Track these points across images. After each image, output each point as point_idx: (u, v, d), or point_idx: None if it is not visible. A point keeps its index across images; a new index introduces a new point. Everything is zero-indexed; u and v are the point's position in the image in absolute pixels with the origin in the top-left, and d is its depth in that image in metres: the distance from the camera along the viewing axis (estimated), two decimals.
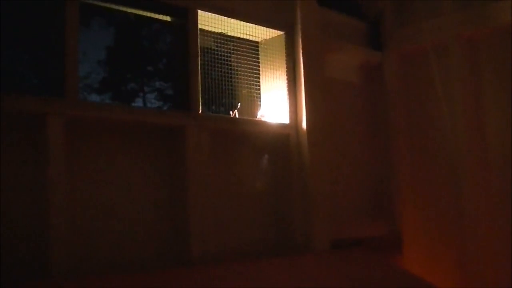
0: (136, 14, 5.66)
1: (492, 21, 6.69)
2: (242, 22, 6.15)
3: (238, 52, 6.23)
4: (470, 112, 6.92)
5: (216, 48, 5.98)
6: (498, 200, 6.70)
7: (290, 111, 6.37)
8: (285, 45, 6.48)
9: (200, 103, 5.58)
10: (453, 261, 6.91)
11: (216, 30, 6.04)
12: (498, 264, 6.58)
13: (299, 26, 6.45)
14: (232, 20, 6.05)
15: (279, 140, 6.34)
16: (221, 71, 5.98)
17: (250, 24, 6.24)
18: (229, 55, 6.11)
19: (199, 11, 5.70)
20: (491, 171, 6.81)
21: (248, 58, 6.32)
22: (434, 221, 7.20)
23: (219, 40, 6.04)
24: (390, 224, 7.33)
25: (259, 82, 6.39)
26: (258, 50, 6.50)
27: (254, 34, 6.38)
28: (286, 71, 6.43)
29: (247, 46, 6.36)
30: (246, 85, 6.26)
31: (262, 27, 6.36)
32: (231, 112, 6.03)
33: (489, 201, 6.76)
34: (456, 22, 6.98)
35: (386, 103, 7.57)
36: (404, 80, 7.63)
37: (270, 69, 6.47)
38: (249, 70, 6.29)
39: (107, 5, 5.33)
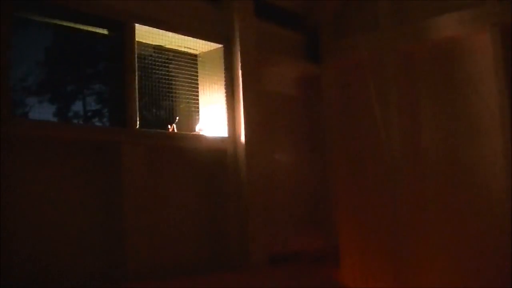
0: (72, 28, 5.50)
1: (427, 36, 6.89)
2: (179, 35, 6.09)
3: (177, 65, 6.18)
4: (406, 123, 7.10)
5: (153, 61, 5.91)
6: (433, 210, 6.89)
7: (229, 125, 6.36)
8: (223, 58, 6.46)
9: (137, 119, 5.49)
10: (389, 272, 7.03)
11: (154, 43, 5.98)
12: (434, 274, 6.78)
13: (237, 39, 6.45)
14: (170, 33, 5.98)
15: (217, 154, 6.32)
16: (159, 85, 5.91)
17: (188, 37, 6.18)
18: (168, 68, 6.05)
19: (136, 25, 5.62)
20: (426, 181, 7.00)
21: (186, 71, 6.28)
22: (370, 233, 7.33)
23: (156, 53, 5.98)
24: (327, 237, 7.41)
25: (197, 95, 6.36)
26: (196, 63, 6.47)
27: (192, 47, 6.35)
28: (225, 85, 6.41)
29: (186, 59, 6.32)
30: (185, 99, 6.21)
31: (200, 40, 6.32)
32: (169, 126, 5.96)
33: (425, 212, 6.94)
34: (392, 36, 7.18)
35: (324, 115, 7.67)
36: (341, 92, 7.76)
37: (209, 82, 6.45)
38: (187, 83, 6.25)
39: (42, 19, 5.20)
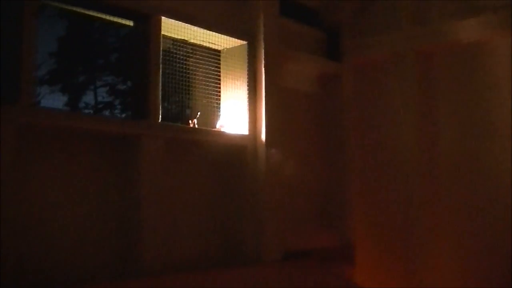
0: (98, 17, 5.45)
1: (447, 37, 6.85)
2: (204, 30, 6.03)
3: (199, 60, 6.13)
4: (423, 124, 7.08)
5: (177, 55, 5.85)
6: (448, 210, 6.89)
7: (249, 122, 6.32)
8: (247, 54, 6.41)
9: (160, 112, 5.45)
10: (404, 271, 7.03)
11: (178, 37, 5.92)
12: (449, 274, 6.78)
13: (261, 36, 6.40)
14: (195, 27, 5.93)
15: (237, 151, 6.28)
16: (181, 79, 5.85)
17: (213, 32, 6.13)
18: (190, 62, 6.00)
19: (163, 18, 5.56)
20: (442, 182, 7.01)
21: (209, 67, 6.22)
22: (384, 232, 7.32)
23: (180, 47, 5.92)
24: (341, 235, 7.38)
25: (219, 91, 6.30)
26: (219, 59, 6.40)
27: (216, 42, 6.29)
28: (247, 81, 6.36)
29: (209, 54, 6.27)
30: (206, 94, 6.16)
31: (224, 36, 6.26)
32: (190, 122, 5.92)
33: (439, 210, 6.94)
34: (412, 36, 7.14)
35: (341, 113, 7.62)
36: (360, 90, 7.72)
37: (231, 78, 6.39)
38: (209, 78, 6.19)
39: (69, 7, 5.14)
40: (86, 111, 9.50)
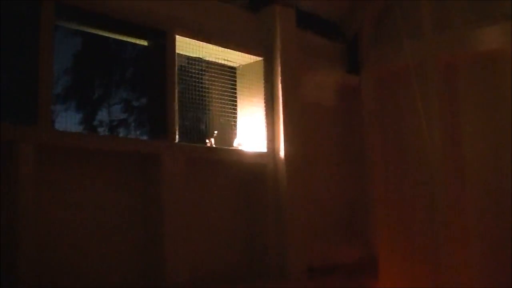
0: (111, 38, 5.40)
1: (470, 46, 6.70)
2: (219, 47, 5.93)
3: (215, 77, 6.02)
4: (447, 133, 6.92)
5: (192, 73, 5.75)
6: (474, 218, 6.72)
7: (268, 140, 6.19)
8: (263, 71, 6.29)
9: (177, 131, 5.36)
10: (430, 282, 6.85)
11: (193, 55, 5.82)
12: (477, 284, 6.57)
13: (278, 51, 6.27)
14: (210, 45, 5.83)
15: (256, 169, 6.15)
16: (197, 97, 5.75)
17: (227, 49, 6.02)
18: (206, 80, 5.88)
19: (177, 36, 5.48)
20: (467, 190, 6.83)
21: (225, 84, 6.11)
22: (409, 243, 7.15)
23: (195, 65, 5.82)
24: (365, 249, 7.24)
25: (236, 109, 6.17)
26: (235, 76, 6.29)
27: (231, 59, 6.19)
28: (264, 98, 6.25)
29: (224, 72, 6.16)
30: (223, 112, 6.04)
31: (240, 52, 6.16)
32: (207, 141, 5.82)
33: (465, 223, 6.76)
34: (434, 45, 6.97)
35: (362, 126, 7.50)
36: (380, 101, 7.58)
37: (248, 95, 6.27)
38: (226, 96, 6.07)
39: (83, 28, 5.10)
40: (100, 129, 9.53)
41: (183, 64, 5.70)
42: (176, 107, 5.39)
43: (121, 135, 11.39)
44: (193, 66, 5.78)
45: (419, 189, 7.12)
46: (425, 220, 6.99)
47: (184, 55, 5.75)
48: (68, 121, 5.93)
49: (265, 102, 6.24)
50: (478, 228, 6.67)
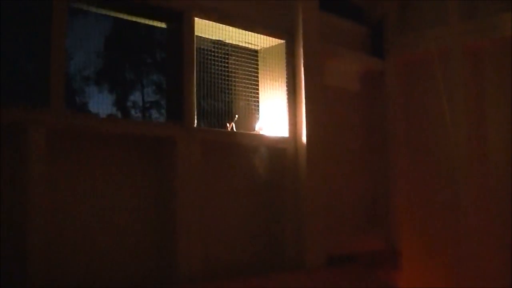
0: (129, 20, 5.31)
1: (497, 32, 6.52)
2: (241, 30, 5.83)
3: (236, 61, 5.92)
4: (472, 122, 6.75)
5: (212, 56, 5.65)
6: (499, 212, 6.53)
7: (289, 124, 6.08)
8: (286, 53, 6.18)
9: (195, 115, 5.27)
10: (451, 276, 6.70)
11: (213, 37, 5.73)
12: (497, 279, 6.41)
13: (300, 34, 6.14)
14: (230, 27, 5.74)
15: (276, 154, 6.06)
16: (217, 80, 5.66)
17: (249, 32, 5.92)
18: (227, 63, 5.79)
19: (196, 18, 5.38)
20: (491, 184, 6.66)
21: (246, 67, 6.00)
22: (432, 236, 7.00)
23: (216, 48, 5.72)
24: (386, 239, 7.12)
25: (257, 92, 6.08)
26: (257, 59, 6.19)
27: (253, 42, 6.08)
28: (286, 81, 6.13)
29: (246, 55, 6.06)
30: (244, 96, 5.94)
31: (261, 35, 6.05)
32: (227, 124, 5.73)
33: (489, 214, 6.59)
34: (460, 31, 6.80)
35: (386, 112, 7.34)
36: (405, 88, 7.42)
37: (269, 79, 6.17)
38: (247, 79, 5.97)
39: (99, 10, 5.01)
40: (133, 111, 9.62)
41: (203, 47, 5.60)
42: (194, 90, 5.30)
43: (154, 116, 11.61)
44: (215, 50, 5.68)
45: (443, 179, 6.95)
46: (449, 212, 6.83)
47: (205, 38, 5.65)
48: (101, 102, 5.91)
49: (287, 86, 6.13)
50: (502, 222, 6.47)
